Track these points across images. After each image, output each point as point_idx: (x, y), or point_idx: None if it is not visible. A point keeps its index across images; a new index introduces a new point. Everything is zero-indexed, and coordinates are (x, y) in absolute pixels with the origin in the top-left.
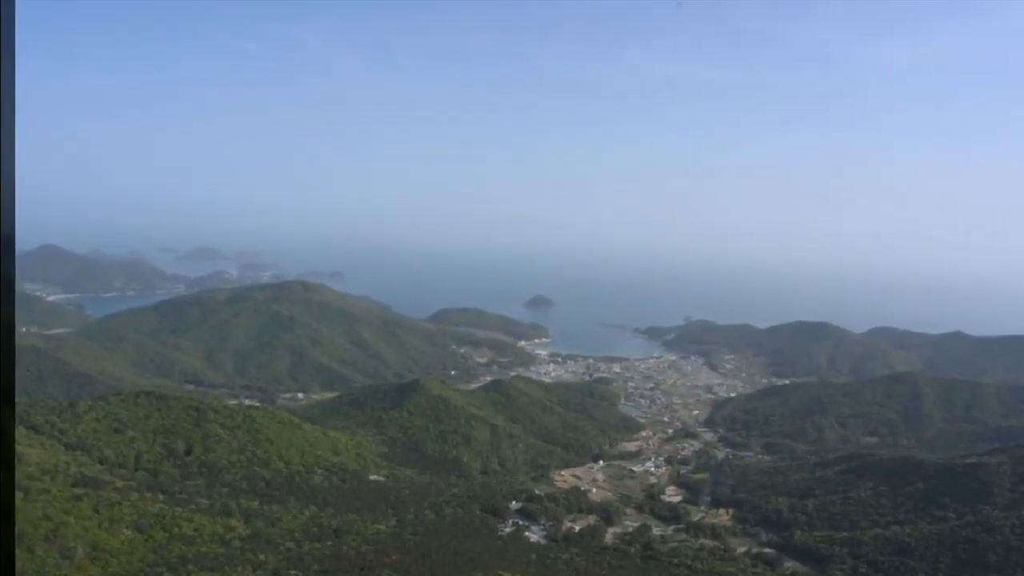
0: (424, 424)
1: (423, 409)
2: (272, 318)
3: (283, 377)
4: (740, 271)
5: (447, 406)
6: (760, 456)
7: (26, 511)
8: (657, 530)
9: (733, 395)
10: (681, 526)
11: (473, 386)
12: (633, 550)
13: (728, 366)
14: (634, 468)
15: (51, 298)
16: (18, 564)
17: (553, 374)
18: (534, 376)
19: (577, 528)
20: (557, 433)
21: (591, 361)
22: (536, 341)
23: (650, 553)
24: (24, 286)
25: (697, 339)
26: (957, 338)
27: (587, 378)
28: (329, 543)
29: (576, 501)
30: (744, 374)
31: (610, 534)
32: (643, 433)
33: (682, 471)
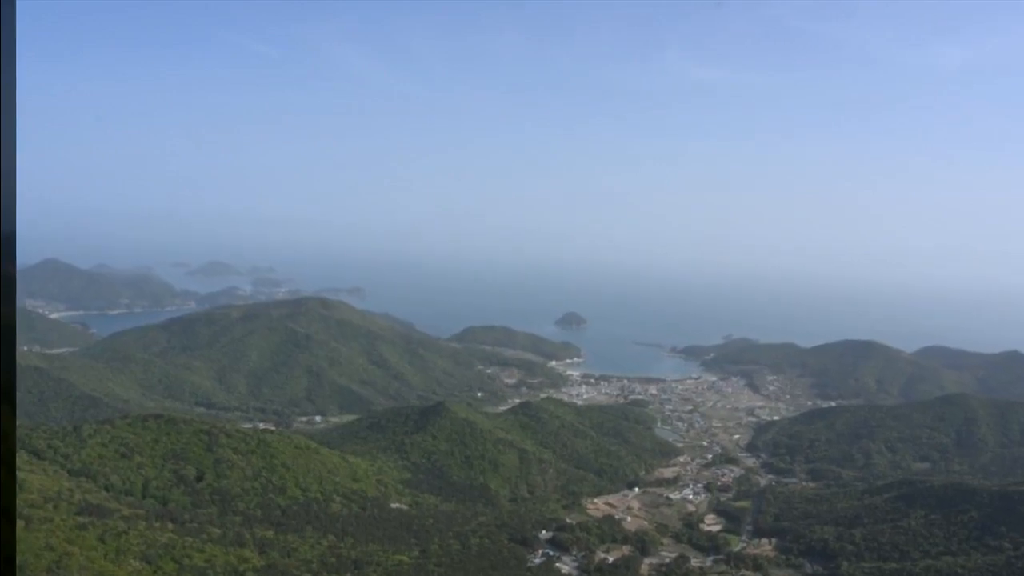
0: (449, 449)
1: (448, 433)
2: (288, 337)
3: (299, 399)
4: (782, 286)
5: (473, 430)
6: (805, 483)
7: (28, 540)
8: (696, 561)
9: (776, 418)
10: (721, 557)
11: (501, 409)
12: None
13: (771, 387)
14: (671, 495)
15: (54, 315)
16: None
17: (585, 396)
18: (565, 398)
19: (611, 559)
20: (590, 458)
21: (626, 382)
22: (567, 361)
23: None
24: (25, 302)
25: (737, 359)
26: (1013, 357)
27: (621, 400)
28: (348, 575)
29: (610, 530)
30: (788, 396)
31: (646, 565)
32: (681, 458)
33: (722, 499)
